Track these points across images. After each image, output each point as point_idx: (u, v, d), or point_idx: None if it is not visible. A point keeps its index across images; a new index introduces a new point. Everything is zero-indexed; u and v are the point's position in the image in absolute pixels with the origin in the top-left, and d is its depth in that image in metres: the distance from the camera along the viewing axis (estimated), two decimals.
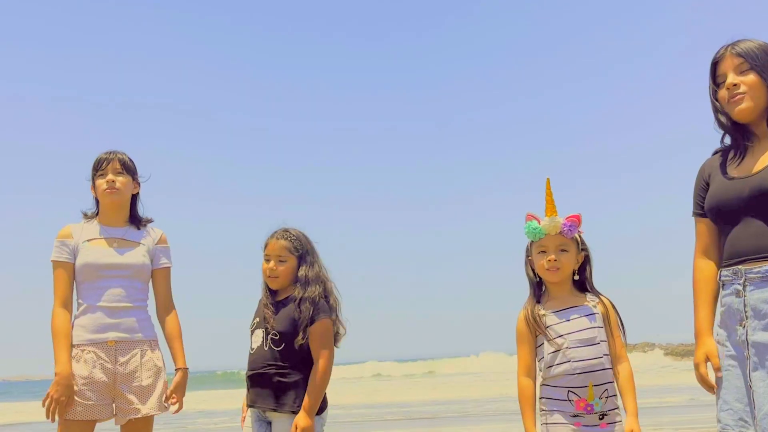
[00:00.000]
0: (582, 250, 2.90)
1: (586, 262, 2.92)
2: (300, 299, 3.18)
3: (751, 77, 2.46)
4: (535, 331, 2.84)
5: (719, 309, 2.57)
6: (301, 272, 3.25)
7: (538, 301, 2.90)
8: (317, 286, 3.22)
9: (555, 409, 2.77)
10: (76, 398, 3.15)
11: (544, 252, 2.86)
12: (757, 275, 2.38)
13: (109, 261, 3.27)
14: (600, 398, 2.74)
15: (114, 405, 3.22)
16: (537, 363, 2.87)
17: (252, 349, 3.24)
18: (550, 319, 2.83)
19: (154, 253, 3.41)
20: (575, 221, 2.84)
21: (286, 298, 3.26)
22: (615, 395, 2.80)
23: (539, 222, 2.85)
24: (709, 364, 2.57)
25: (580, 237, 2.91)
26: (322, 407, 3.17)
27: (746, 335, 2.39)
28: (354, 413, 13.23)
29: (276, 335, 3.17)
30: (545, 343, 2.81)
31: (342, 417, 12.07)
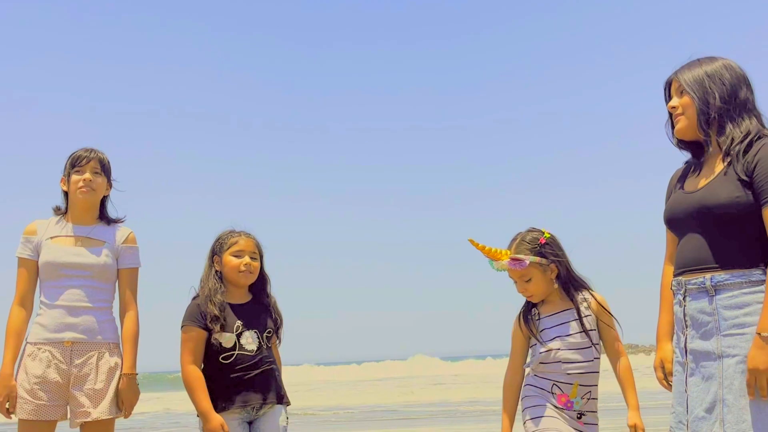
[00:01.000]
0: (551, 262, 2.93)
1: (561, 269, 2.95)
2: (274, 303, 3.35)
3: (686, 98, 2.57)
4: (528, 335, 2.99)
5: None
6: (265, 274, 3.36)
7: (533, 306, 3.01)
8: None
9: (537, 395, 2.89)
10: (27, 397, 3.11)
11: (516, 282, 2.98)
12: (694, 286, 2.48)
13: (70, 260, 3.22)
14: (582, 398, 2.87)
15: (68, 407, 3.18)
16: (529, 358, 2.99)
17: (249, 351, 3.16)
18: (543, 323, 2.95)
19: (119, 253, 3.32)
20: (517, 260, 2.89)
21: (254, 297, 3.32)
22: (596, 399, 2.91)
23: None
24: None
25: (541, 255, 2.91)
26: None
27: (685, 343, 2.52)
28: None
29: (270, 333, 3.27)
30: (538, 344, 2.93)
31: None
